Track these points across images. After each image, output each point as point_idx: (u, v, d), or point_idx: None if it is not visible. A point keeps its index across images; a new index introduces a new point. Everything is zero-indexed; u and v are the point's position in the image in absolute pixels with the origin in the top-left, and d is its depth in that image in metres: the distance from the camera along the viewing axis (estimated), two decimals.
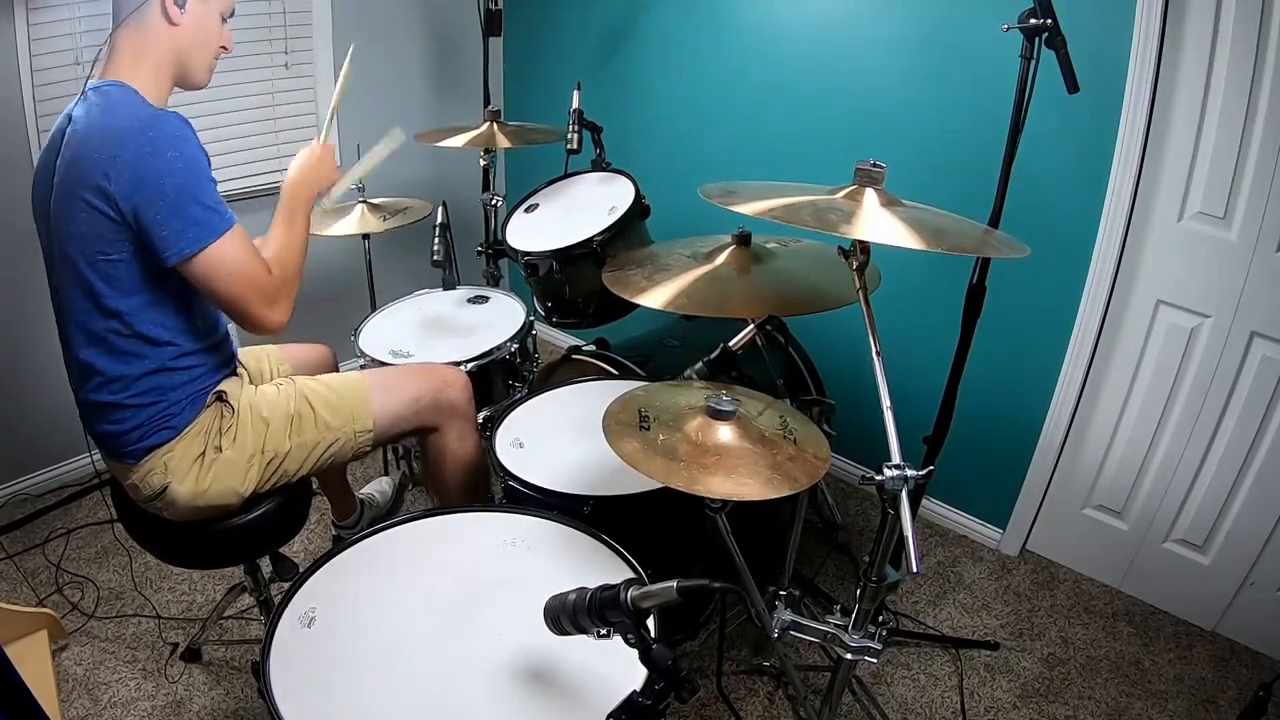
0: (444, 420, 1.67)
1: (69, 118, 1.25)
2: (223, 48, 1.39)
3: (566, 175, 2.22)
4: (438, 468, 1.72)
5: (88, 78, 1.29)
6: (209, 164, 1.26)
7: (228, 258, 1.24)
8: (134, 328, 1.28)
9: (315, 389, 1.55)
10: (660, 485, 1.09)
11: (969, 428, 1.97)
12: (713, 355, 1.52)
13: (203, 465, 1.38)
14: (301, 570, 1.22)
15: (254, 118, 2.52)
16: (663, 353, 2.07)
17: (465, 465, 1.72)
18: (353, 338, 2.09)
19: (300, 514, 1.57)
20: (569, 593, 0.94)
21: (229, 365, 1.49)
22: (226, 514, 1.44)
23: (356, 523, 2.14)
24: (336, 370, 1.95)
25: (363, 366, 2.00)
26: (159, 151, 1.17)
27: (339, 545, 1.28)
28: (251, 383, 1.58)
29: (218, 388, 1.43)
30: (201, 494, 1.38)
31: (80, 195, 1.19)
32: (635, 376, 1.87)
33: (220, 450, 1.40)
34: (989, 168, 1.61)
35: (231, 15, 1.41)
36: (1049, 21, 1.43)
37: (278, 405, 1.49)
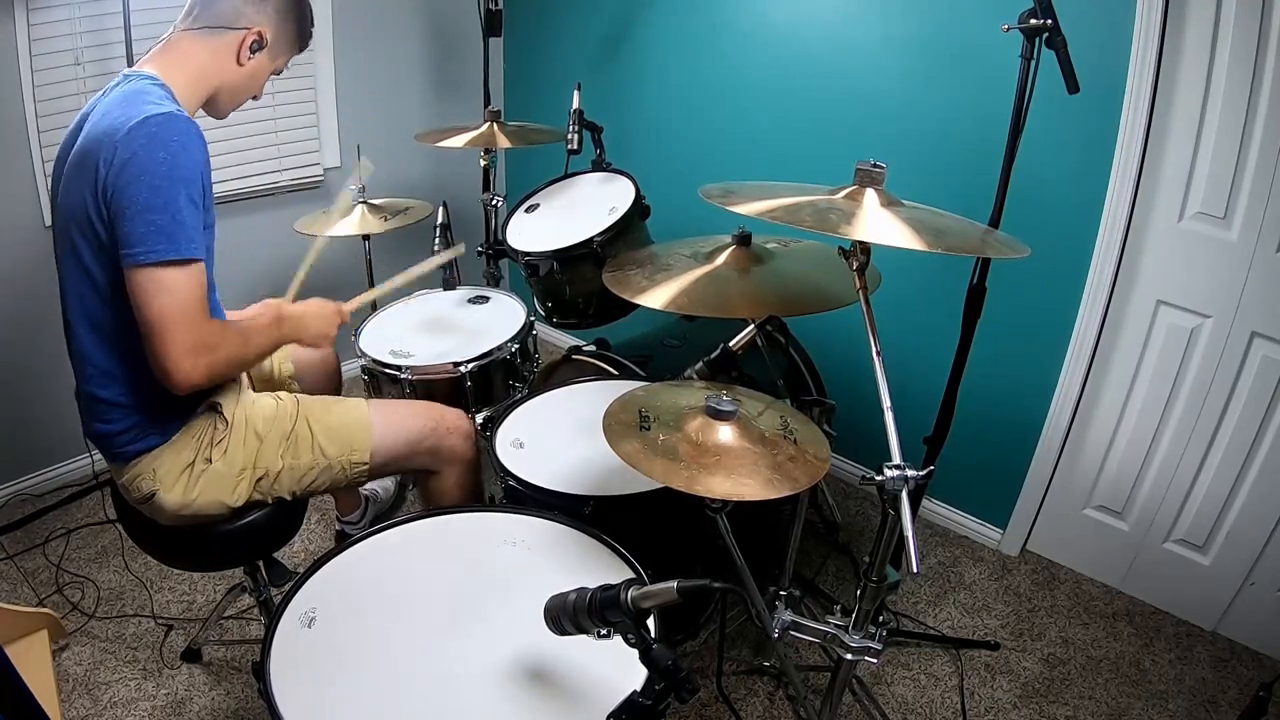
0: (443, 466, 1.62)
1: (95, 103, 1.26)
2: (253, 96, 1.43)
3: (567, 175, 2.22)
4: (433, 504, 1.68)
5: (131, 64, 1.31)
6: (204, 186, 1.22)
7: (173, 285, 1.16)
8: (128, 317, 1.24)
9: (317, 412, 1.52)
10: (660, 485, 1.09)
11: (969, 428, 1.97)
12: (713, 355, 1.52)
13: (191, 475, 1.37)
14: (295, 574, 1.22)
15: (254, 118, 2.52)
16: (663, 353, 2.07)
17: (462, 503, 1.67)
18: (353, 338, 2.09)
19: (295, 519, 1.56)
20: (569, 593, 0.94)
21: None
22: (218, 520, 1.43)
23: (361, 517, 2.14)
24: (338, 367, 1.95)
25: (363, 367, 2.00)
26: (152, 148, 1.15)
27: (339, 546, 1.28)
28: (250, 383, 1.57)
29: (212, 398, 1.41)
30: (188, 504, 1.37)
31: (83, 174, 1.19)
32: (635, 377, 1.87)
33: (210, 462, 1.38)
34: (989, 168, 1.61)
35: (278, 74, 1.45)
36: (1049, 22, 1.43)
37: (274, 421, 1.46)
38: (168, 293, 1.16)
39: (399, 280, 1.73)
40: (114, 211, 1.16)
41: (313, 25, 1.46)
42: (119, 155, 1.14)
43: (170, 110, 1.19)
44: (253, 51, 1.32)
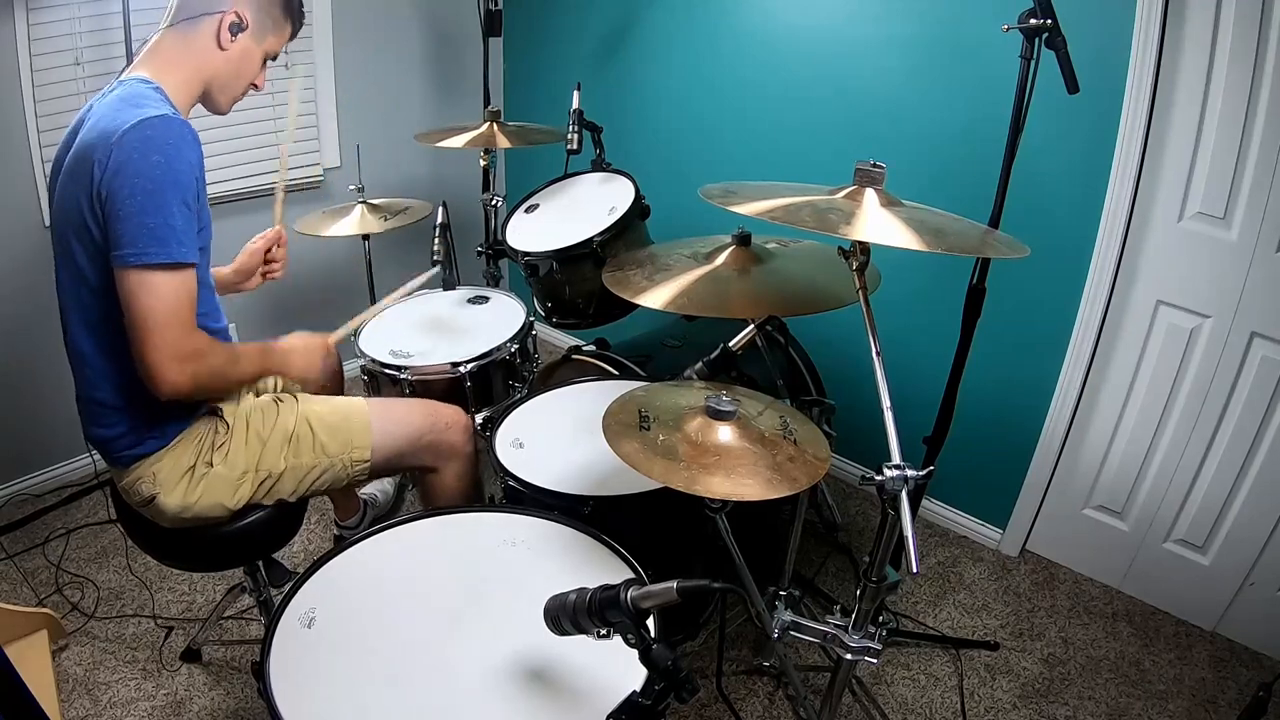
0: (443, 462, 1.63)
1: (91, 106, 1.26)
2: (254, 85, 1.41)
3: (566, 175, 2.22)
4: (433, 501, 1.70)
5: (122, 70, 1.30)
6: (198, 189, 1.22)
7: (162, 289, 1.16)
8: (122, 321, 1.22)
9: (318, 410, 1.52)
10: (660, 485, 1.09)
11: (969, 428, 1.97)
12: (713, 355, 1.52)
13: (192, 479, 1.37)
14: (295, 575, 1.22)
15: (254, 118, 2.52)
16: (663, 353, 2.07)
17: (462, 499, 1.69)
18: (353, 338, 2.09)
19: (295, 520, 1.56)
20: (569, 593, 0.94)
21: None
22: (218, 522, 1.43)
23: (359, 522, 2.14)
24: (340, 367, 1.95)
25: (363, 367, 2.00)
26: (146, 151, 1.15)
27: (339, 545, 1.28)
28: (251, 387, 1.57)
29: (212, 401, 1.41)
30: (189, 507, 1.37)
31: (78, 178, 1.19)
32: (635, 377, 1.87)
33: (211, 465, 1.38)
34: (989, 168, 1.61)
35: (274, 59, 1.42)
36: (1049, 22, 1.43)
37: (275, 423, 1.46)
38: (156, 296, 1.16)
39: (382, 305, 1.83)
40: (108, 214, 1.15)
41: (302, 5, 1.44)
42: (114, 158, 1.14)
43: (165, 113, 1.19)
44: (233, 34, 1.30)
